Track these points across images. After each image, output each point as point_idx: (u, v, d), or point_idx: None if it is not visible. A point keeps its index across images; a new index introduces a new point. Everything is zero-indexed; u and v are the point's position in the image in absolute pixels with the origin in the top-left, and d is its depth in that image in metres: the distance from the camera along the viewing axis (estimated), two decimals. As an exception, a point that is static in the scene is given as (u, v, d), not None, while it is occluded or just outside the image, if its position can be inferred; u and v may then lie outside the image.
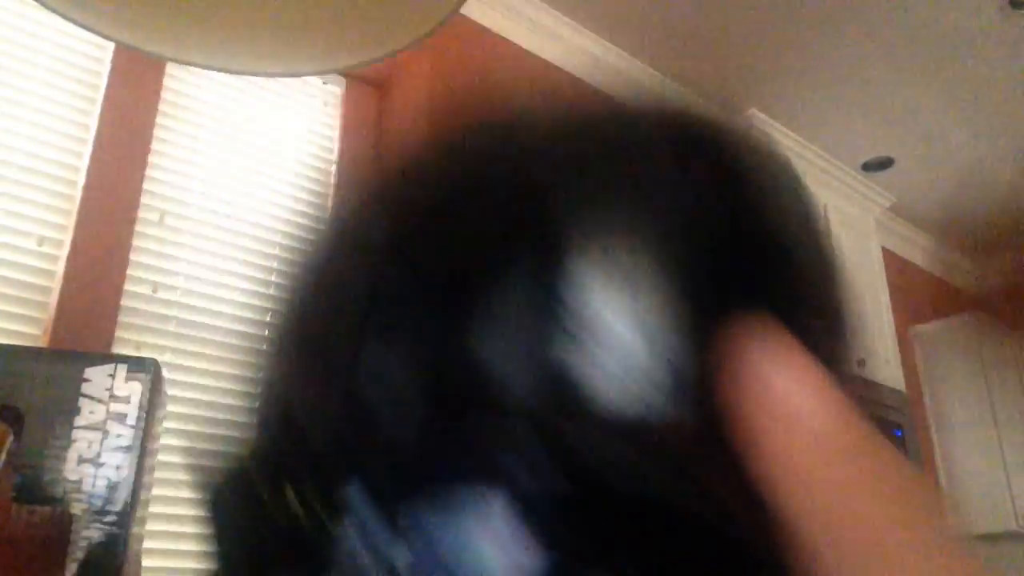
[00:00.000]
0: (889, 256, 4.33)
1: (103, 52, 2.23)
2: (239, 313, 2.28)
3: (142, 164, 2.21)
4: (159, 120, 2.29)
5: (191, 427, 2.09)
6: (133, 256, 2.13)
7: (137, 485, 1.01)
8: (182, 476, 2.05)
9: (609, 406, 0.25)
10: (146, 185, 2.21)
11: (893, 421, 2.62)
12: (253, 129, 2.49)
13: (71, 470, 0.98)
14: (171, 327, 2.14)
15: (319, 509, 0.26)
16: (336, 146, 2.70)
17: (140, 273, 2.13)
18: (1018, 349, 4.25)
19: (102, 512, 0.98)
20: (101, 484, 0.98)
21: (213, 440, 2.13)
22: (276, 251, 2.42)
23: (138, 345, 2.06)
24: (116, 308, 2.05)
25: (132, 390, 1.03)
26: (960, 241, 4.72)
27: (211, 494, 0.30)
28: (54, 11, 0.69)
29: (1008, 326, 4.30)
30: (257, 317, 2.32)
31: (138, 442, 1.02)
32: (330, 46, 0.73)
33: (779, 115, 3.53)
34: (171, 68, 2.36)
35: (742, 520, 0.27)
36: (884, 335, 2.84)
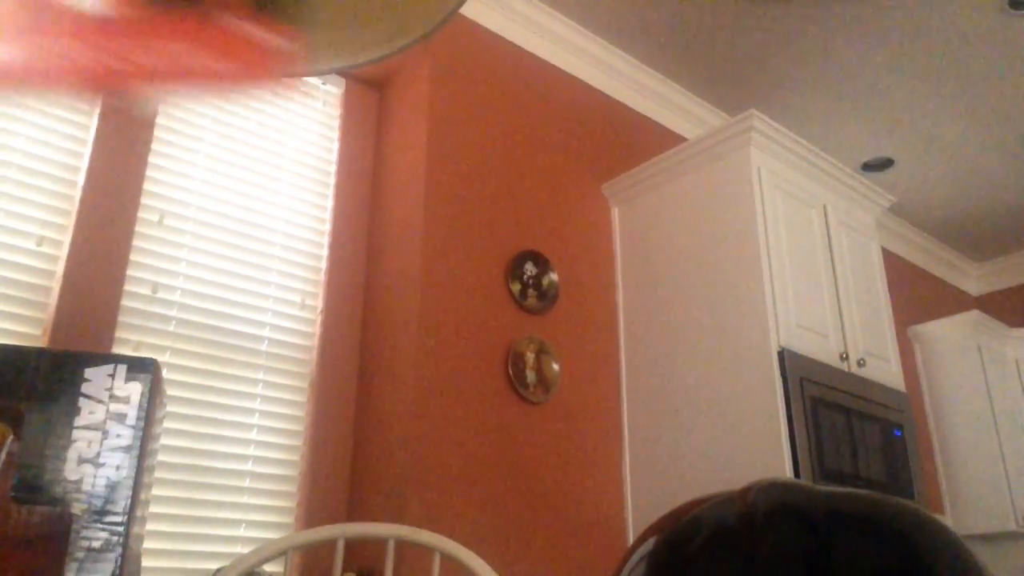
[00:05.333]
0: (889, 256, 4.33)
1: (103, 52, 2.23)
2: (239, 313, 2.28)
3: (142, 164, 2.21)
4: (159, 120, 2.29)
5: (191, 427, 2.09)
6: (133, 256, 2.13)
7: (137, 485, 1.01)
8: (182, 476, 2.05)
9: None
10: (146, 185, 2.21)
11: (893, 421, 2.62)
12: (253, 129, 2.49)
13: (71, 470, 0.97)
14: (171, 327, 2.14)
15: None
16: (336, 146, 2.70)
17: (140, 273, 2.13)
18: (1018, 349, 4.25)
19: (102, 512, 0.97)
20: (101, 484, 0.98)
21: (212, 441, 2.13)
22: (276, 252, 2.42)
23: (138, 345, 2.06)
24: (116, 308, 2.05)
25: (132, 390, 1.03)
26: (960, 241, 4.72)
27: None
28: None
29: (1008, 326, 4.30)
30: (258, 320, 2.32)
31: (138, 442, 1.02)
32: (330, 46, 0.73)
33: (779, 115, 3.54)
34: (171, 68, 2.36)
35: None
36: (884, 335, 2.84)
